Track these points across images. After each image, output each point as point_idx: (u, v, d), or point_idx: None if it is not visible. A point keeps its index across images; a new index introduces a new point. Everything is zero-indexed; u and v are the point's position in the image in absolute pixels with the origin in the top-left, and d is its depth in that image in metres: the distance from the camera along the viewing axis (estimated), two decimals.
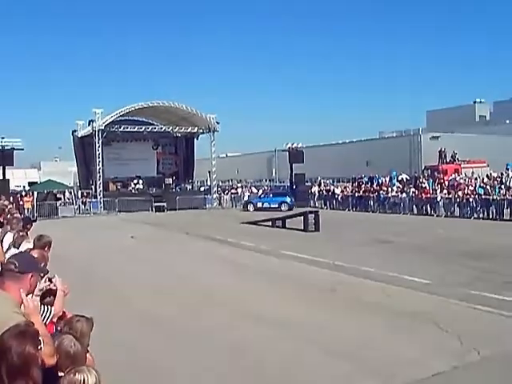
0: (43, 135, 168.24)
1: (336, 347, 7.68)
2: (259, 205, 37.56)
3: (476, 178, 33.96)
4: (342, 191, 38.66)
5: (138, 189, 42.16)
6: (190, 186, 45.76)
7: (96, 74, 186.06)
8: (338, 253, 16.46)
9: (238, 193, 44.74)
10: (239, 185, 53.29)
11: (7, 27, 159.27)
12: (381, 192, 34.98)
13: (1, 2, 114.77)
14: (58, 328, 3.81)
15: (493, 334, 8.11)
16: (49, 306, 3.98)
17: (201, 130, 44.06)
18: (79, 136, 41.43)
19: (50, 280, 4.26)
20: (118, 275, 13.93)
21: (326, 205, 38.64)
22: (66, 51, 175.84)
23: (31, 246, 5.53)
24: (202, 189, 48.04)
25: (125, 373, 6.46)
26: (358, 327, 8.67)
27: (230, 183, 61.57)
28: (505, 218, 26.85)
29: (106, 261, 16.38)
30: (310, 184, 44.25)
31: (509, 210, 27.28)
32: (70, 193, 44.08)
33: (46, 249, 5.46)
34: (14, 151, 36.03)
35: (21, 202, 35.59)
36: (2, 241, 7.42)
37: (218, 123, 43.10)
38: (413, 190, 33.29)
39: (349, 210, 35.80)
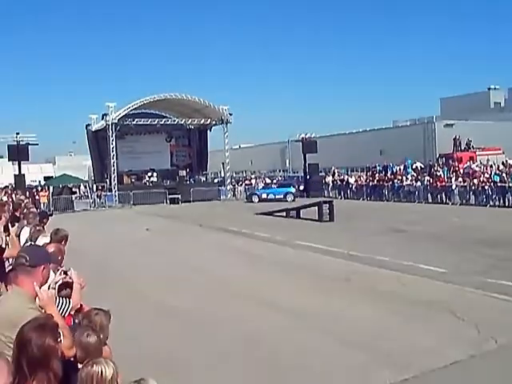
0: (57, 130, 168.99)
1: (351, 337, 7.69)
2: (264, 196, 37.50)
3: (491, 166, 33.65)
4: (356, 181, 38.53)
5: (152, 181, 42.32)
6: (203, 178, 45.83)
7: (108, 67, 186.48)
8: (353, 242, 16.43)
9: (251, 184, 44.72)
10: (253, 176, 53.26)
11: (19, 24, 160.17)
12: (395, 181, 34.82)
13: None
14: (76, 321, 3.86)
15: (510, 323, 8.05)
16: (66, 299, 4.01)
17: (214, 122, 44.04)
18: (93, 130, 41.64)
19: (66, 273, 4.30)
20: (133, 267, 14.02)
21: (340, 194, 38.56)
22: (79, 46, 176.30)
23: (48, 240, 5.58)
24: (215, 180, 48.14)
25: (141, 364, 6.51)
26: (374, 317, 8.66)
27: (244, 174, 61.55)
28: None
29: (122, 253, 16.51)
30: (323, 174, 44.11)
31: None
32: (85, 187, 44.32)
33: (63, 242, 5.52)
34: (29, 146, 36.36)
35: (37, 197, 35.91)
36: (19, 235, 7.51)
37: (230, 114, 43.03)
38: (427, 178, 33.08)
39: (363, 200, 35.68)
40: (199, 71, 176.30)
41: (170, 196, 38.92)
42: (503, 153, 39.81)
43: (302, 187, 42.07)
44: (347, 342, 7.47)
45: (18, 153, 35.60)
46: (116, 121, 38.98)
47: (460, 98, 70.30)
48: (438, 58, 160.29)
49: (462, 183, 30.52)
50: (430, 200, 31.59)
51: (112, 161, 39.33)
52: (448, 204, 29.79)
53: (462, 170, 34.13)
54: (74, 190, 41.61)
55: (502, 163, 33.56)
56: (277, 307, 9.41)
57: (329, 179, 41.02)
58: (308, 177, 41.83)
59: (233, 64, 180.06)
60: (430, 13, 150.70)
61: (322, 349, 7.24)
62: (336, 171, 43.72)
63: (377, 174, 37.90)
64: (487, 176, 30.05)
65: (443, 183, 31.55)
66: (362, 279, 11.52)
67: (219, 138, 45.58)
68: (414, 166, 37.66)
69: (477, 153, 40.35)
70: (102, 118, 39.97)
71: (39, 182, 48.97)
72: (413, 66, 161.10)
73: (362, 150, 52.17)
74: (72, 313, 4.00)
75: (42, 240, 5.95)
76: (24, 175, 36.80)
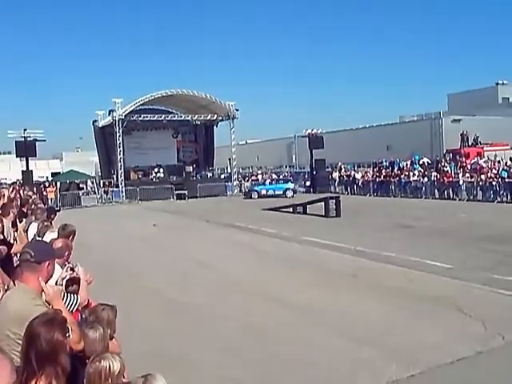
0: (65, 126, 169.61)
1: (358, 332, 7.69)
2: (263, 192, 37.37)
3: (499, 161, 33.47)
4: (363, 176, 38.45)
5: (158, 177, 42.41)
6: (210, 174, 45.86)
7: (115, 63, 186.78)
8: (360, 238, 16.41)
9: (258, 179, 44.72)
10: (259, 171, 53.24)
11: (27, 18, 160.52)
12: (402, 176, 34.72)
13: None
14: (83, 316, 3.88)
15: None
16: (74, 295, 4.03)
17: (220, 118, 44.07)
18: (100, 126, 41.74)
19: (73, 269, 4.33)
20: (140, 263, 14.07)
21: (346, 190, 38.51)
22: (86, 41, 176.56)
23: (55, 236, 5.61)
24: (222, 176, 48.13)
25: (150, 360, 6.55)
26: (380, 312, 8.66)
27: (251, 170, 61.55)
28: None
29: (129, 249, 16.57)
30: (330, 169, 44.05)
31: None
32: (92, 182, 44.51)
33: (71, 238, 5.54)
34: (37, 142, 36.50)
35: (44, 193, 36.06)
36: (27, 231, 7.56)
37: (237, 110, 43.04)
38: (434, 174, 32.95)
39: (370, 195, 35.62)
40: (206, 67, 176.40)
41: (177, 192, 38.99)
42: (511, 148, 39.58)
43: (308, 183, 42.05)
44: (354, 338, 7.47)
45: (26, 149, 35.76)
46: (123, 117, 39.07)
47: (468, 93, 69.85)
48: (445, 53, 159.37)
49: (469, 179, 30.38)
50: (437, 196, 31.47)
51: (119, 157, 39.42)
52: (455, 200, 29.68)
53: (469, 166, 33.95)
54: (81, 185, 41.81)
55: (510, 159, 33.32)
56: (284, 303, 9.43)
57: (335, 175, 40.97)
58: (314, 172, 41.78)
59: (239, 60, 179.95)
60: (436, 8, 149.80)
61: (329, 344, 7.25)
62: (342, 167, 43.63)
63: (383, 170, 37.79)
64: (495, 172, 29.90)
65: (450, 179, 31.43)
66: (369, 275, 11.51)
67: (226, 134, 45.65)
68: (420, 162, 37.54)
69: (484, 148, 40.13)
70: (109, 114, 40.06)
71: (47, 177, 49.24)
72: (420, 61, 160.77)
73: (369, 146, 52.01)
74: (79, 309, 4.03)
75: (49, 235, 5.98)
76: (31, 171, 36.97)
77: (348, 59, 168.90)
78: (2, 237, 6.45)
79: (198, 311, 9.20)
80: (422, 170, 34.55)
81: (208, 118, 43.59)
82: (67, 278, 4.26)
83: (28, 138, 35.96)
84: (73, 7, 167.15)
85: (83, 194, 39.69)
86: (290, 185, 39.09)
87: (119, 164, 39.40)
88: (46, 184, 40.97)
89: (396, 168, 37.40)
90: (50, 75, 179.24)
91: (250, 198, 36.91)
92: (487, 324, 7.69)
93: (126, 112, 39.09)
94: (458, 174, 31.85)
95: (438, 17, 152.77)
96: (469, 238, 15.83)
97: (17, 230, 7.54)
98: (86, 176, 44.95)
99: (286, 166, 64.67)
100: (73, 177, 41.35)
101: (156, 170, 43.03)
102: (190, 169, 44.69)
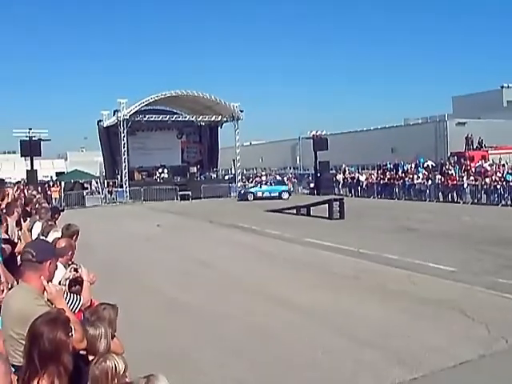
0: (69, 126, 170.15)
1: (361, 335, 7.68)
2: (259, 194, 37.15)
3: (504, 165, 33.41)
4: (367, 178, 38.42)
5: (163, 178, 42.44)
6: (214, 175, 45.89)
7: (120, 64, 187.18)
8: (363, 240, 16.39)
9: (262, 181, 44.70)
10: (263, 173, 53.23)
11: (31, 18, 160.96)
12: (406, 179, 34.67)
13: None
14: (86, 316, 3.89)
15: None
16: (77, 295, 4.03)
17: (225, 119, 44.12)
18: (104, 126, 41.82)
19: (76, 270, 4.33)
20: (144, 263, 14.09)
21: (350, 192, 38.47)
22: (92, 41, 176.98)
23: (59, 235, 5.63)
24: (226, 177, 48.13)
25: (152, 360, 6.56)
26: (383, 315, 8.65)
27: (255, 171, 61.54)
28: None
29: (133, 249, 16.59)
30: (334, 171, 44.01)
31: None
32: (97, 182, 44.58)
33: (74, 238, 5.56)
34: (41, 142, 36.56)
35: (48, 192, 36.14)
36: (31, 230, 7.59)
37: (241, 111, 43.08)
38: (438, 176, 32.89)
39: (374, 198, 35.57)
40: (211, 68, 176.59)
41: (181, 192, 39.02)
42: None
43: (312, 185, 42.05)
44: (356, 340, 7.46)
45: (31, 148, 35.83)
46: (127, 117, 39.14)
47: (472, 96, 69.71)
48: (450, 55, 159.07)
49: (473, 182, 30.31)
50: (441, 199, 31.41)
51: (123, 157, 39.50)
52: (459, 203, 29.61)
53: (473, 169, 33.91)
54: (85, 185, 41.86)
55: None
56: (286, 304, 9.43)
57: (339, 177, 40.97)
58: (318, 174, 41.74)
59: (244, 61, 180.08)
60: (442, 9, 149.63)
61: (332, 346, 7.24)
62: (347, 169, 43.61)
63: (388, 172, 37.76)
64: (499, 175, 29.83)
65: (455, 182, 31.37)
66: (372, 277, 11.49)
67: (230, 135, 45.71)
68: (425, 165, 37.51)
69: (489, 151, 40.10)
70: (114, 114, 40.13)
71: (51, 177, 49.29)
72: (425, 63, 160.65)
73: (373, 148, 52.01)
74: (82, 309, 4.03)
75: (53, 235, 5.99)
76: (36, 171, 37.04)
77: (353, 61, 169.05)
78: (6, 236, 6.47)
79: (200, 311, 9.20)
80: (427, 173, 34.50)
81: (212, 118, 43.64)
82: (70, 278, 4.27)
83: (33, 138, 36.03)
84: (78, 7, 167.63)
85: (87, 193, 39.74)
86: (286, 187, 39.19)
87: (123, 164, 39.47)
88: (51, 183, 41.09)
89: (400, 170, 37.37)
90: (55, 75, 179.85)
91: (246, 200, 36.52)
92: (491, 327, 7.67)
93: (131, 112, 39.16)
94: (463, 177, 31.80)
95: (443, 19, 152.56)
96: (473, 242, 15.79)
97: (21, 229, 7.56)
98: (91, 176, 45.02)
99: (290, 168, 64.65)
100: (77, 176, 41.41)
101: (160, 170, 43.08)
102: (194, 170, 44.77)
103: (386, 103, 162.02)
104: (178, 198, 38.78)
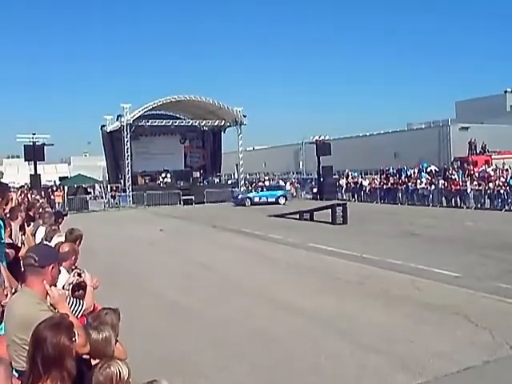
0: (73, 130, 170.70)
1: (365, 340, 7.65)
2: (256, 199, 36.96)
3: (507, 170, 33.34)
4: (370, 183, 38.38)
5: (166, 182, 42.49)
6: (217, 180, 45.93)
7: (124, 69, 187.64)
8: (367, 245, 16.36)
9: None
10: (266, 178, 53.25)
11: (34, 22, 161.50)
12: (409, 184, 34.62)
13: None
14: (89, 320, 3.88)
15: None
16: (80, 300, 4.03)
17: (228, 124, 44.18)
18: (108, 131, 41.96)
19: (80, 275, 4.34)
20: (147, 267, 14.09)
21: (353, 197, 38.44)
22: (93, 46, 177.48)
23: (63, 240, 5.63)
24: (229, 182, 48.17)
25: (154, 364, 6.55)
26: (387, 320, 8.62)
27: (258, 176, 61.57)
28: None
29: (136, 253, 16.61)
30: (337, 176, 44.00)
31: None
32: (100, 187, 44.67)
33: (77, 242, 5.56)
34: (45, 146, 36.63)
35: (52, 197, 36.22)
36: (35, 234, 7.59)
37: (244, 116, 43.15)
38: (442, 181, 32.84)
39: (377, 203, 35.52)
40: (214, 72, 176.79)
41: (184, 197, 39.06)
42: None
43: (315, 189, 42.02)
44: (360, 345, 7.44)
45: (34, 153, 35.90)
46: (131, 122, 39.24)
47: (476, 100, 69.69)
48: (453, 60, 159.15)
49: (477, 187, 30.25)
50: (445, 204, 31.34)
51: (126, 161, 39.56)
52: (463, 208, 29.56)
53: (477, 174, 33.84)
54: (88, 190, 41.94)
55: None
56: (290, 309, 9.41)
57: (342, 182, 40.93)
58: (322, 179, 41.72)
59: (247, 66, 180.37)
60: (445, 14, 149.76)
61: (335, 350, 7.22)
62: (350, 174, 43.59)
63: (391, 177, 37.71)
64: (503, 180, 29.75)
65: (458, 187, 31.31)
66: (376, 282, 11.46)
67: (233, 140, 45.77)
68: (428, 170, 37.47)
69: (492, 156, 40.04)
70: (117, 119, 40.24)
71: (54, 181, 49.42)
72: (428, 68, 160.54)
73: (376, 153, 51.99)
74: (85, 314, 4.03)
75: (56, 239, 6.00)
76: (40, 175, 37.10)
77: (355, 66, 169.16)
78: (10, 240, 6.47)
79: (203, 315, 9.19)
80: (430, 178, 34.45)
81: (216, 123, 43.71)
82: (74, 283, 4.27)
83: (36, 143, 36.10)
84: (82, 11, 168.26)
85: (90, 198, 39.84)
86: (283, 192, 39.18)
87: (127, 169, 39.54)
88: (54, 188, 41.16)
89: (403, 175, 37.31)
90: (58, 80, 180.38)
91: (244, 205, 36.20)
92: (495, 333, 7.63)
93: (134, 117, 39.27)
94: (466, 181, 31.71)
95: (447, 23, 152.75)
96: (476, 247, 15.74)
97: (24, 234, 7.56)
98: (94, 180, 45.14)
99: (293, 173, 64.64)
100: (80, 181, 41.52)
101: (163, 175, 43.14)
102: (197, 174, 44.82)
103: (388, 108, 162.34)
104: (181, 202, 38.82)
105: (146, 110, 39.49)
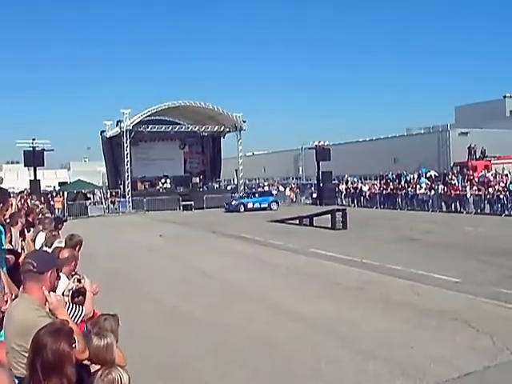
0: (72, 136, 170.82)
1: (365, 345, 7.64)
2: (249, 205, 36.99)
3: (507, 175, 33.37)
4: (370, 189, 38.40)
5: (165, 188, 42.52)
6: (217, 185, 45.95)
7: (124, 74, 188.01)
8: (366, 251, 16.35)
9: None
10: (266, 183, 53.28)
11: (35, 27, 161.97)
12: (409, 189, 34.64)
13: None
14: (89, 327, 3.88)
15: None
16: (80, 306, 4.03)
17: (227, 129, 44.24)
18: (107, 136, 42.01)
19: (80, 281, 4.33)
20: (147, 273, 14.08)
21: (353, 202, 38.47)
22: (93, 51, 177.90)
23: (63, 245, 5.63)
24: (228, 187, 48.20)
25: (153, 369, 6.54)
26: (387, 325, 8.61)
27: (257, 182, 61.62)
28: None
29: (135, 258, 16.61)
30: (337, 182, 44.03)
31: None
32: (100, 192, 44.67)
33: (77, 248, 5.56)
34: (45, 152, 36.63)
35: (51, 202, 36.20)
36: (35, 240, 7.58)
37: (244, 122, 43.22)
38: (441, 186, 32.86)
39: (376, 208, 35.53)
40: (213, 78, 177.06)
41: (183, 203, 39.07)
42: None
43: (315, 195, 42.05)
44: (360, 350, 7.42)
45: (34, 158, 35.88)
46: (130, 127, 39.29)
47: (475, 105, 69.79)
48: (453, 65, 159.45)
49: (476, 192, 30.27)
50: (444, 209, 31.36)
51: (126, 167, 39.60)
52: (462, 213, 29.56)
53: (476, 179, 33.87)
54: (88, 195, 41.93)
55: None
56: (290, 314, 9.40)
57: (342, 187, 40.96)
58: (321, 184, 41.75)
59: (247, 72, 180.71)
60: (445, 19, 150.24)
61: (335, 356, 7.21)
62: (349, 179, 43.62)
63: (390, 183, 37.74)
64: (502, 185, 29.78)
65: (457, 192, 31.32)
66: (376, 288, 11.45)
67: (233, 145, 45.83)
68: (428, 175, 37.50)
69: (492, 161, 40.06)
70: (117, 125, 40.30)
71: (54, 187, 49.43)
72: (427, 73, 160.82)
73: (376, 158, 52.01)
74: (85, 320, 4.02)
75: (56, 245, 5.99)
76: (39, 181, 37.05)
77: (355, 71, 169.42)
78: (10, 246, 6.46)
79: (203, 321, 9.17)
80: (429, 183, 34.48)
81: (215, 129, 43.77)
82: (74, 289, 4.27)
83: (36, 148, 36.09)
84: (81, 15, 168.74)
85: (90, 203, 39.83)
86: (275, 197, 39.46)
87: (126, 174, 39.57)
88: (54, 193, 41.16)
89: (403, 180, 37.34)
90: (58, 85, 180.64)
91: (238, 211, 35.94)
92: (495, 338, 7.62)
93: (134, 123, 39.32)
94: (466, 186, 31.74)
95: (446, 28, 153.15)
96: (476, 252, 15.74)
97: (24, 240, 7.55)
98: (93, 186, 45.14)
99: (292, 178, 64.70)
100: (80, 186, 41.48)
101: (163, 180, 43.17)
102: (197, 180, 44.84)
103: (388, 113, 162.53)
104: (181, 208, 38.81)
105: (145, 115, 39.55)
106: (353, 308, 9.79)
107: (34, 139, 36.31)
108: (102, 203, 41.23)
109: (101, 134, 42.90)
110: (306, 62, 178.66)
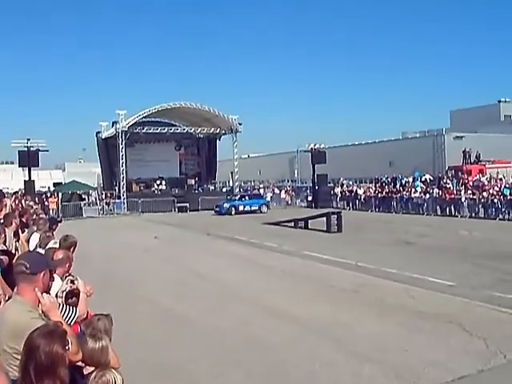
0: (68, 137, 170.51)
1: (359, 348, 7.63)
2: (241, 208, 36.89)
3: (501, 179, 33.48)
4: (365, 192, 38.44)
5: (160, 189, 42.45)
6: (212, 187, 45.91)
7: (119, 75, 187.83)
8: (361, 254, 16.36)
9: (260, 193, 44.72)
10: (261, 185, 53.28)
11: (30, 27, 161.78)
12: (404, 193, 34.71)
13: None
14: (83, 328, 3.86)
15: None
16: (73, 307, 4.01)
17: (223, 131, 44.23)
18: (103, 137, 41.90)
19: (73, 282, 4.32)
20: (140, 274, 14.06)
21: (348, 205, 38.47)
22: (89, 52, 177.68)
23: (57, 246, 5.60)
24: (224, 190, 48.16)
25: (148, 371, 6.51)
26: (382, 328, 8.61)
27: (253, 184, 61.60)
28: None
29: (130, 260, 16.56)
30: (332, 185, 44.05)
31: None
32: (95, 193, 44.56)
33: (72, 249, 5.53)
34: (40, 152, 36.51)
35: (46, 203, 36.10)
36: (29, 241, 7.55)
37: (240, 124, 43.27)
38: (436, 190, 32.94)
39: (371, 211, 35.55)
40: (209, 80, 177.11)
41: (179, 204, 39.00)
42: None
43: (310, 198, 42.07)
44: (355, 353, 7.42)
45: (29, 159, 35.74)
46: (126, 129, 39.23)
47: (470, 110, 70.08)
48: (448, 70, 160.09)
49: (471, 196, 30.35)
50: (439, 212, 31.43)
51: (121, 168, 39.52)
52: (457, 217, 29.62)
53: (471, 183, 33.97)
54: (83, 196, 41.82)
55: None
56: (284, 316, 9.39)
57: (337, 190, 40.96)
58: (317, 187, 41.77)
59: (243, 74, 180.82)
60: (440, 24, 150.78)
61: (330, 359, 7.20)
62: (344, 182, 43.64)
63: (385, 186, 37.80)
64: (497, 189, 29.88)
65: (452, 196, 31.40)
66: (370, 291, 11.46)
67: (228, 147, 45.85)
68: (423, 179, 37.60)
69: (486, 165, 40.20)
70: (112, 126, 40.22)
71: (48, 188, 49.28)
72: (423, 78, 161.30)
73: (371, 162, 52.10)
74: (79, 321, 4.01)
75: (51, 246, 5.96)
76: (34, 181, 36.92)
77: (351, 75, 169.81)
78: (4, 247, 6.43)
79: (198, 323, 9.16)
80: (424, 187, 34.56)
81: (211, 131, 43.77)
82: (67, 290, 4.25)
83: (31, 148, 35.96)
84: (77, 16, 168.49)
85: (85, 204, 39.71)
86: (265, 200, 39.63)
87: (121, 176, 39.49)
88: (48, 194, 41.03)
89: (398, 184, 37.41)
90: (54, 85, 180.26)
91: (230, 214, 35.67)
92: (489, 342, 7.63)
93: (130, 124, 39.26)
94: (460, 190, 31.84)
95: (441, 33, 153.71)
96: (470, 256, 15.77)
97: (18, 240, 7.52)
98: (88, 187, 45.04)
99: (288, 181, 64.71)
100: (75, 187, 41.38)
101: (158, 182, 43.10)
102: (192, 182, 44.83)
103: (383, 117, 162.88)
104: (176, 209, 38.75)
105: (141, 116, 39.48)
106: (348, 311, 9.79)
107: (28, 139, 36.18)
108: (96, 204, 41.12)
109: (96, 135, 42.78)
110: (303, 64, 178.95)
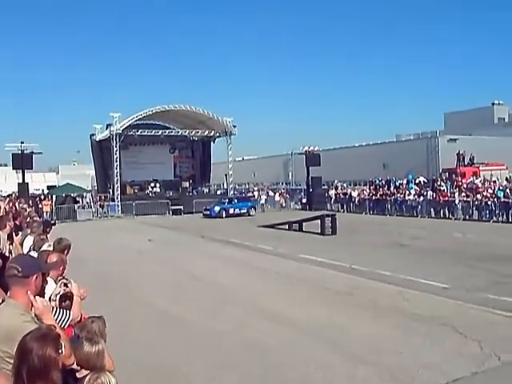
0: (62, 139, 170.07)
1: (354, 350, 7.64)
2: (231, 211, 36.83)
3: (495, 181, 33.61)
4: (359, 194, 38.49)
5: (155, 192, 42.38)
6: (206, 190, 45.86)
7: (114, 77, 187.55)
8: (355, 256, 16.38)
9: (254, 196, 44.74)
10: (256, 188, 53.28)
11: (23, 29, 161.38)
12: (398, 195, 34.77)
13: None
14: (77, 331, 3.84)
15: None
16: (67, 311, 3.99)
17: (217, 134, 44.22)
18: (97, 140, 41.79)
19: (66, 285, 4.29)
20: (135, 276, 14.04)
21: (342, 208, 38.49)
22: (83, 54, 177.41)
23: (51, 249, 5.58)
24: (218, 192, 48.13)
25: (143, 373, 6.49)
26: (376, 331, 8.62)
27: (247, 186, 61.59)
28: None
29: (124, 262, 16.53)
30: (326, 187, 44.08)
31: None
32: (89, 196, 44.41)
33: (66, 252, 5.50)
34: (33, 155, 36.40)
35: (40, 206, 35.95)
36: (23, 244, 7.52)
37: (234, 127, 43.24)
38: (430, 192, 33.01)
39: (366, 214, 35.61)
40: (203, 83, 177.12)
41: (173, 207, 38.95)
42: (507, 168, 39.81)
43: (304, 200, 42.10)
44: (349, 356, 7.43)
45: (22, 161, 35.64)
46: (120, 131, 39.16)
47: (464, 112, 70.44)
48: (442, 73, 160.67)
49: (465, 198, 30.43)
50: (433, 215, 31.47)
51: (115, 171, 39.45)
52: (451, 219, 29.70)
53: (465, 185, 34.07)
54: (77, 199, 41.69)
55: (506, 179, 33.52)
56: (279, 319, 9.39)
57: (331, 192, 40.97)
58: (311, 190, 41.81)
59: (238, 76, 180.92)
60: (434, 27, 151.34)
61: (325, 361, 7.20)
62: (339, 185, 43.68)
63: (380, 188, 37.86)
64: (491, 191, 29.98)
65: (446, 198, 31.48)
66: (365, 293, 11.47)
67: (223, 150, 45.81)
68: (417, 181, 37.68)
69: (480, 168, 40.33)
70: (107, 128, 40.15)
71: (42, 190, 49.07)
72: (417, 80, 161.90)
73: (365, 164, 52.19)
74: (72, 324, 3.98)
75: (45, 249, 5.93)
76: (27, 184, 36.84)
77: (345, 77, 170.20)
78: None
79: (192, 326, 9.14)
80: (418, 189, 34.64)
81: (205, 133, 43.75)
82: (61, 293, 4.22)
83: (25, 151, 35.85)
84: (70, 19, 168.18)
85: (79, 207, 39.60)
86: (253, 203, 39.65)
87: (115, 178, 39.42)
88: (42, 197, 40.87)
89: (392, 186, 37.48)
90: (48, 88, 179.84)
91: (221, 217, 35.37)
92: (483, 344, 7.65)
93: (124, 126, 39.19)
94: (454, 193, 31.90)
95: (436, 37, 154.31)
96: (464, 258, 15.81)
97: (12, 243, 7.49)
98: (82, 189, 44.87)
99: (282, 183, 64.75)
100: (69, 190, 41.25)
101: (152, 184, 43.04)
102: (187, 184, 44.78)
103: (378, 119, 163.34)
104: (170, 212, 38.70)
105: (135, 119, 39.43)
106: (343, 313, 9.80)
107: (22, 142, 36.09)
108: (90, 207, 40.97)
109: (90, 138, 42.64)
110: (298, 67, 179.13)
